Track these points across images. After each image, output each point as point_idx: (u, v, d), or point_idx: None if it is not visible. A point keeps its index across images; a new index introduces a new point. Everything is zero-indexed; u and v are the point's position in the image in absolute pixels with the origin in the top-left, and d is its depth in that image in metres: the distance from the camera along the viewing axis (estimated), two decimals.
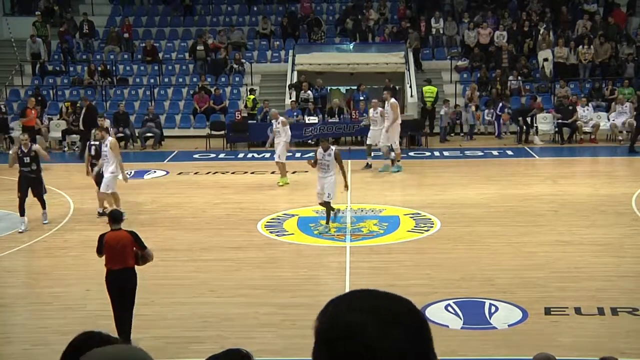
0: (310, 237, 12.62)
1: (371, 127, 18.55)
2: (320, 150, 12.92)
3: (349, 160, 19.35)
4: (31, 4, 28.74)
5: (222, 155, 20.95)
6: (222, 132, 22.20)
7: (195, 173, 18.34)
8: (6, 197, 15.65)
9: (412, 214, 13.96)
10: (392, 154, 18.09)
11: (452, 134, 23.29)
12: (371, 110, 18.82)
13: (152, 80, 25.91)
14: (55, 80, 25.60)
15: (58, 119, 23.17)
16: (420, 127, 22.13)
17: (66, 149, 22.41)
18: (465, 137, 22.91)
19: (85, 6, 28.63)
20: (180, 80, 26.09)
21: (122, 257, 8.24)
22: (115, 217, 8.56)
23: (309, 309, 9.30)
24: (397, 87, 24.31)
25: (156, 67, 26.25)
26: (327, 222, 12.90)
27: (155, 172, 18.61)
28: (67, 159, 20.96)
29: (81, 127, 20.20)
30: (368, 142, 18.62)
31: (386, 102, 18.21)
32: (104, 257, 8.37)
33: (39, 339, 8.60)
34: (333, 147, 13.03)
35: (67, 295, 10.06)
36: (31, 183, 13.42)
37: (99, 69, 25.43)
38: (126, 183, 14.58)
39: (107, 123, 16.06)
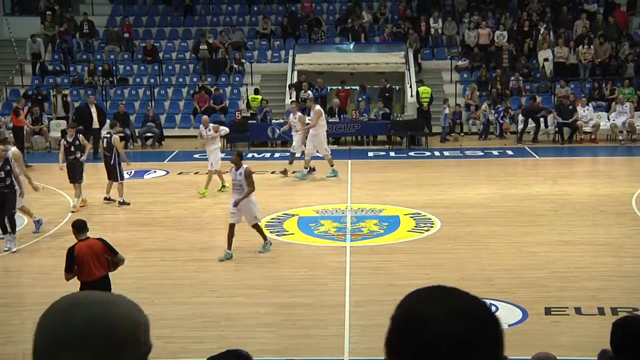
0: (311, 237, 12.62)
1: (292, 133, 17.92)
2: (233, 168, 11.60)
3: (349, 160, 19.43)
4: (31, 4, 28.76)
5: (222, 155, 20.89)
6: None
7: (196, 173, 18.33)
8: None
9: (413, 213, 13.96)
10: (306, 160, 17.35)
11: (452, 134, 23.29)
12: (291, 116, 18.26)
13: (152, 80, 25.92)
14: (56, 80, 25.60)
15: (58, 119, 23.17)
16: (420, 127, 22.13)
17: None
18: (480, 137, 22.84)
19: (85, 6, 28.65)
20: (181, 80, 26.10)
21: (96, 266, 7.95)
22: (80, 227, 8.15)
23: (309, 309, 9.32)
24: (395, 87, 24.34)
25: (156, 67, 26.26)
26: (265, 241, 11.74)
27: (155, 172, 18.61)
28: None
29: (96, 125, 20.32)
30: (292, 151, 17.76)
31: (311, 110, 17.84)
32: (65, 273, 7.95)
33: None
34: (245, 165, 11.55)
35: None
36: (4, 199, 12.04)
37: (100, 68, 25.46)
38: (27, 194, 13.17)
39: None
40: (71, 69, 26.26)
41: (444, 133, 22.64)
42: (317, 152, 17.50)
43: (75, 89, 25.02)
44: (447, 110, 22.65)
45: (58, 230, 13.35)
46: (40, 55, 26.02)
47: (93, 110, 20.67)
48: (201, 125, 16.45)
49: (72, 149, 14.77)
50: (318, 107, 18.01)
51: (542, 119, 22.21)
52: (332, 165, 17.49)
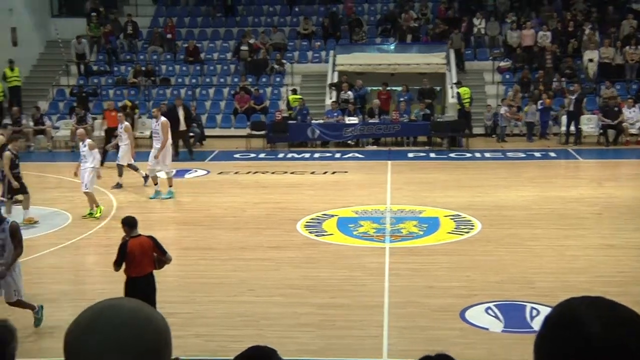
0: (350, 238, 12.61)
1: (120, 144, 16.81)
2: None
3: (389, 161, 19.39)
4: (78, 6, 29.30)
5: (262, 155, 21.08)
6: (263, 132, 22.33)
7: (236, 173, 18.47)
8: (51, 194, 15.99)
9: (453, 215, 13.86)
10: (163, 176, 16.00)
11: (494, 135, 23.06)
12: (119, 126, 16.96)
13: (194, 81, 26.19)
14: (100, 80, 26.05)
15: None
16: (461, 128, 21.96)
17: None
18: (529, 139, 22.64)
19: (129, 7, 29.08)
20: (222, 80, 26.32)
21: (145, 263, 8.09)
22: (131, 224, 8.24)
23: (348, 310, 9.31)
24: (435, 88, 24.19)
25: (198, 68, 26.53)
26: (34, 311, 8.82)
27: (196, 171, 18.79)
28: (111, 158, 21.28)
29: (183, 127, 20.23)
30: (118, 162, 16.65)
31: (155, 120, 16.20)
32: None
33: None
34: (9, 220, 8.81)
35: (110, 292, 10.17)
36: None
37: (143, 69, 25.81)
38: None
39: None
40: (115, 69, 26.69)
41: (502, 133, 22.50)
42: (148, 167, 16.03)
43: (119, 89, 25.44)
44: (502, 110, 22.56)
45: (101, 228, 13.58)
46: (85, 55, 26.50)
47: (180, 112, 20.21)
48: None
49: (17, 161, 13.48)
50: (164, 118, 16.25)
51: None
52: (170, 186, 15.82)
